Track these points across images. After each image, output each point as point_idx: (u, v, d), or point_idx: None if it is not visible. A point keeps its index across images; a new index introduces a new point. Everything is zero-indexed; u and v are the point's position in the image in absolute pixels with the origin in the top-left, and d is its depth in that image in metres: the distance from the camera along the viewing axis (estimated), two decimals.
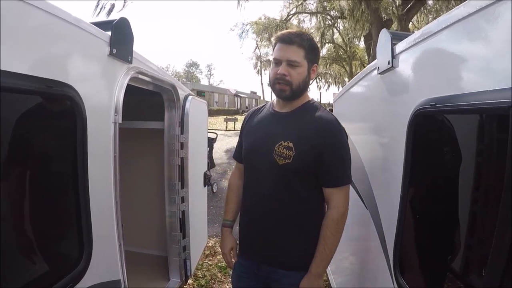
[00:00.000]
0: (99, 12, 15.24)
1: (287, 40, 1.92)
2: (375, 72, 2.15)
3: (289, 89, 1.93)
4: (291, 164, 1.89)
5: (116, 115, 1.93)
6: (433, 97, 1.37)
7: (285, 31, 1.98)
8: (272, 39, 2.01)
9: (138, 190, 4.01)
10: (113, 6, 15.30)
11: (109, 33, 1.91)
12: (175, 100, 3.00)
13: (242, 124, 2.30)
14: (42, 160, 1.55)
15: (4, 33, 1.21)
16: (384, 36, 2.00)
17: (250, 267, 2.15)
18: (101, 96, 1.88)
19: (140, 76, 2.30)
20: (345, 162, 1.95)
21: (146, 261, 3.91)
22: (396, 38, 1.90)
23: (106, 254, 1.92)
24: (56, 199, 1.66)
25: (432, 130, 1.55)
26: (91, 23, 1.81)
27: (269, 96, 79.16)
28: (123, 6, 15.39)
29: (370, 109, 2.56)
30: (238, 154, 2.29)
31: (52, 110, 1.56)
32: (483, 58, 1.19)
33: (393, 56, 1.87)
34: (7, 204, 1.35)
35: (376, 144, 2.37)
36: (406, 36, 1.78)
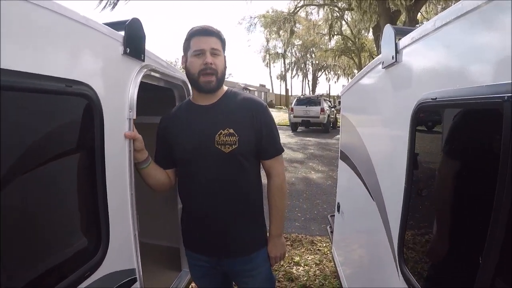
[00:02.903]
0: (104, 7, 15.48)
1: (208, 32, 2.03)
2: (380, 66, 2.19)
3: (215, 78, 2.02)
4: (239, 148, 1.99)
5: (130, 112, 1.98)
6: (434, 91, 1.42)
7: (197, 26, 2.08)
8: (187, 35, 2.08)
9: None
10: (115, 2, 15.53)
11: (122, 33, 1.95)
12: (186, 96, 3.02)
13: (160, 131, 2.28)
14: (64, 155, 1.61)
15: (30, 38, 1.31)
16: (387, 32, 2.04)
17: (209, 262, 2.21)
18: (116, 94, 1.93)
19: (152, 74, 2.35)
20: (277, 132, 2.17)
21: (159, 252, 3.96)
22: (399, 33, 1.93)
23: (122, 244, 1.97)
24: (77, 192, 1.73)
25: (434, 124, 1.61)
26: (104, 23, 1.85)
27: (279, 89, 78.63)
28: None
29: (376, 102, 2.60)
30: (160, 160, 2.25)
31: (72, 108, 1.61)
32: (483, 53, 1.22)
33: (397, 51, 1.90)
34: (33, 197, 1.43)
35: (382, 137, 2.41)
36: (409, 32, 1.82)
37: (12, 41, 1.22)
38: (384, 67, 2.12)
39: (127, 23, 1.99)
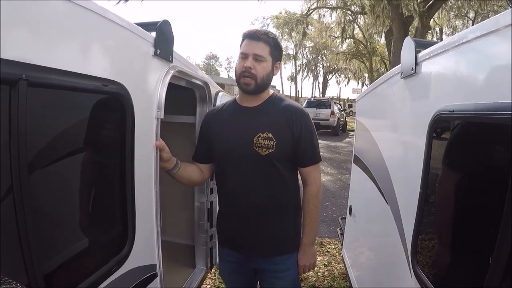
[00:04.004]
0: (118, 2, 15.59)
1: (255, 37, 2.05)
2: (399, 76, 2.26)
3: (253, 82, 2.03)
4: (275, 152, 2.02)
5: (158, 111, 2.03)
6: (452, 104, 1.49)
7: (252, 29, 2.11)
8: (241, 36, 2.11)
9: (169, 181, 3.93)
10: None
11: (153, 34, 1.99)
12: (207, 97, 3.09)
13: (203, 126, 2.34)
14: (96, 152, 1.70)
15: (72, 39, 1.39)
16: (408, 44, 2.11)
17: (240, 259, 2.26)
18: (146, 93, 1.97)
19: (178, 74, 2.39)
20: (316, 141, 2.18)
21: (174, 249, 4.00)
22: (419, 45, 2.00)
23: (146, 240, 2.01)
24: (109, 188, 1.81)
25: (449, 133, 1.69)
26: (135, 23, 1.86)
27: (289, 91, 78.33)
28: None
29: (393, 110, 2.67)
30: (200, 155, 2.33)
31: (107, 106, 1.68)
32: (500, 72, 1.27)
33: (416, 63, 1.97)
34: (66, 193, 1.51)
35: (398, 143, 2.47)
36: (429, 45, 1.89)
37: (60, 42, 1.32)
38: (403, 77, 2.19)
39: (158, 24, 2.03)
